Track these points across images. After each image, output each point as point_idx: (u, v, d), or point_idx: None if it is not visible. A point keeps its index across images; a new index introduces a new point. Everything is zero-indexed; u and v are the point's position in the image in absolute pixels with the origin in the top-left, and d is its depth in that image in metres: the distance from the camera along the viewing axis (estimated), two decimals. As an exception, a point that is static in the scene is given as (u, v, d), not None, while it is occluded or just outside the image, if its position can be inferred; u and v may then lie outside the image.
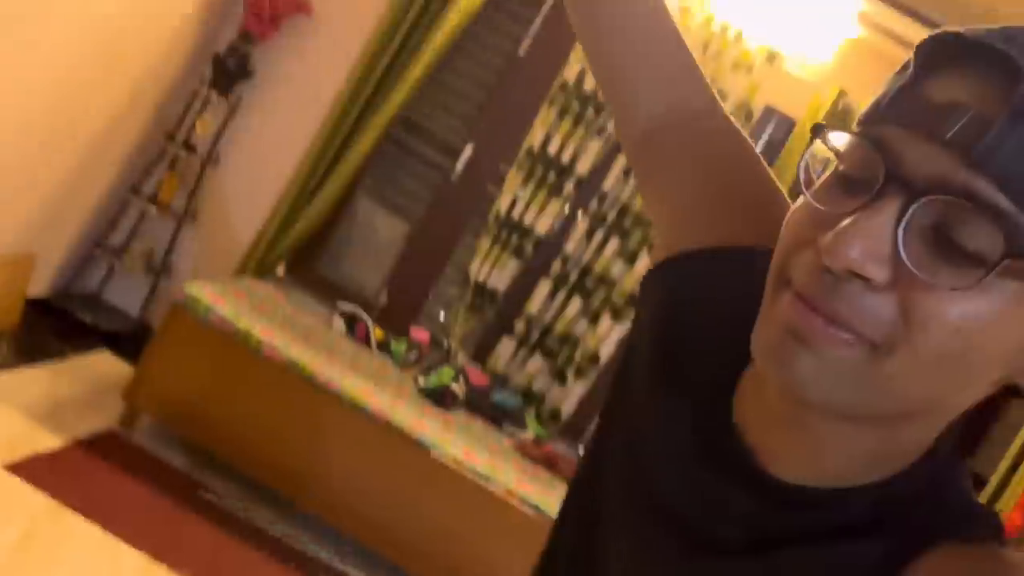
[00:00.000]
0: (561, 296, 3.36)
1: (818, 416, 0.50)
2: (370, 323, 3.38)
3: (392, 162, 3.63)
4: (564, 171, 3.34)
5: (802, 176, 0.48)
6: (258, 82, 3.47)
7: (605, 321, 3.31)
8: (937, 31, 0.47)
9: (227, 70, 3.34)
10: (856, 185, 0.46)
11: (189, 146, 3.43)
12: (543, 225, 3.37)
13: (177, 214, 3.44)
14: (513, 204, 3.39)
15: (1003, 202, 0.42)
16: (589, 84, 3.29)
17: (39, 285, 3.27)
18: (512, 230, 3.39)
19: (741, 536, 0.55)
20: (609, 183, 3.32)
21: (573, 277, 3.35)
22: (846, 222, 0.44)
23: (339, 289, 3.64)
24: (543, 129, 3.34)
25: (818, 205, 0.47)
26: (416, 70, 3.32)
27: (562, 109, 3.32)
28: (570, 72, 3.31)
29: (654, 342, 0.66)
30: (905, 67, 0.47)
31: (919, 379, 0.45)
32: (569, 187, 3.34)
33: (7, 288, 2.98)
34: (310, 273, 3.68)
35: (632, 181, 3.26)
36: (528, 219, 3.38)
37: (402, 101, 3.37)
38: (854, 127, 0.48)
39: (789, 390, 0.48)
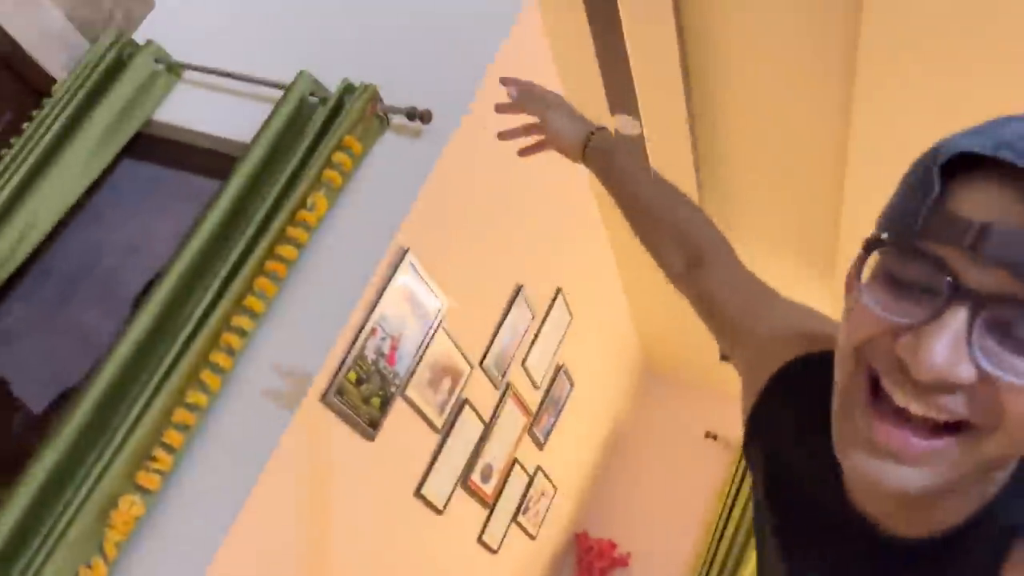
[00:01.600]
0: None
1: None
2: None
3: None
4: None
5: (856, 273, 0.52)
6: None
7: None
8: (944, 146, 0.50)
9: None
10: (918, 294, 0.49)
11: None
12: None
13: None
14: None
15: None
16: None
17: None
18: None
19: None
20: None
21: None
22: (922, 339, 0.47)
23: None
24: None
25: (890, 317, 0.50)
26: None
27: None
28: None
29: (767, 478, 0.71)
30: (926, 180, 0.50)
31: (1012, 447, 0.50)
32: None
33: None
34: None
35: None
36: None
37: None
38: (896, 237, 0.50)
39: (889, 493, 0.52)
